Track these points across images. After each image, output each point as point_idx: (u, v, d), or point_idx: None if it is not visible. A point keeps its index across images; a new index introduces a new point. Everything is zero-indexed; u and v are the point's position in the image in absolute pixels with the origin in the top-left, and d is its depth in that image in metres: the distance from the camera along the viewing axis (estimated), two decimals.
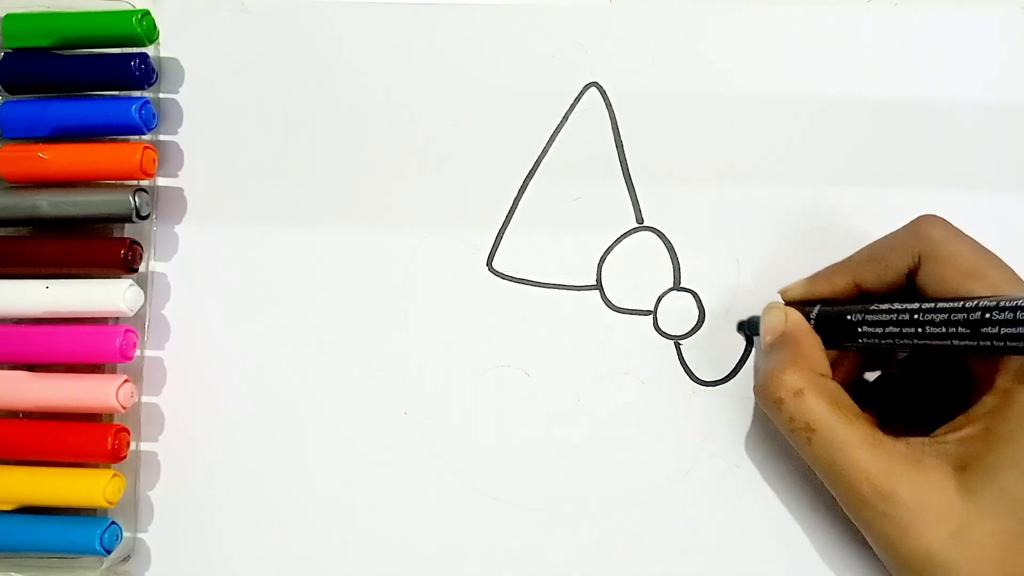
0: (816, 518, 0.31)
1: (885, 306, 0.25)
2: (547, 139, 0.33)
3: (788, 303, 0.29)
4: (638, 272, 0.33)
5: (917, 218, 0.26)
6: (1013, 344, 0.21)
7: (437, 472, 0.32)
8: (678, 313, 0.32)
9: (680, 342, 0.32)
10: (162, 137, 0.34)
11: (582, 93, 0.33)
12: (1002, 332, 0.21)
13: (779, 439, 0.31)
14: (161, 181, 0.34)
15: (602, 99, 0.33)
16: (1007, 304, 0.21)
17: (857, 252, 0.28)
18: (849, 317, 0.26)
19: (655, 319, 0.32)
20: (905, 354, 0.30)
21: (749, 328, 0.32)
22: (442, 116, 0.34)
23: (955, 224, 0.26)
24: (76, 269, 0.32)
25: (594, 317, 0.33)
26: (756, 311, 0.31)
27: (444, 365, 0.33)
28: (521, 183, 0.33)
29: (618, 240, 0.33)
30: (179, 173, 0.34)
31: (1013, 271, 0.24)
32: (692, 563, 0.31)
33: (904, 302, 0.25)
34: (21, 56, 0.33)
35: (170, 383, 0.33)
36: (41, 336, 0.32)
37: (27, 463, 0.32)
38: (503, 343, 0.33)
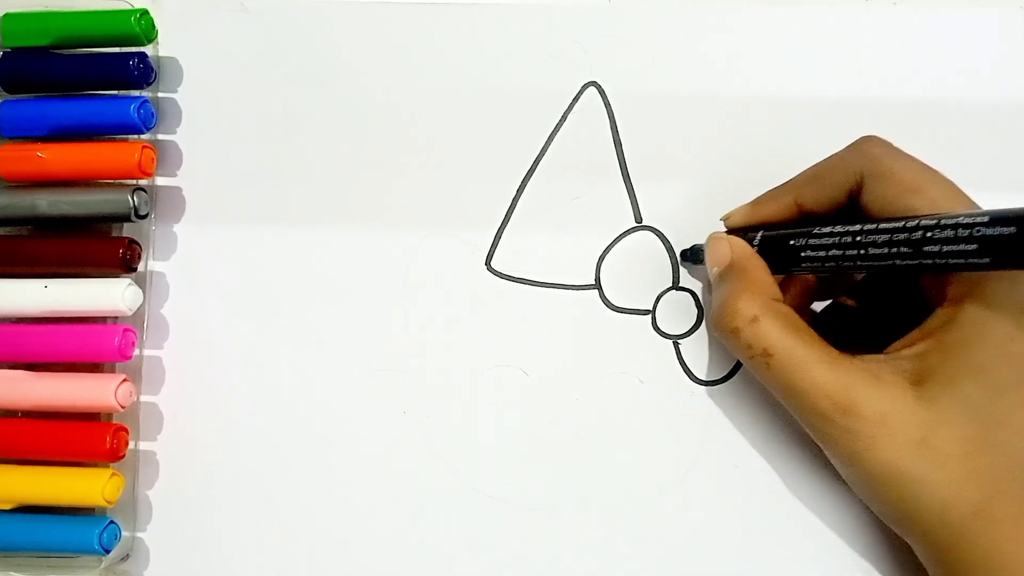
0: (815, 517, 0.31)
1: (827, 229, 0.25)
2: (546, 139, 0.33)
3: (731, 230, 0.29)
4: (637, 272, 0.33)
5: (860, 138, 0.26)
6: (955, 261, 0.21)
7: (436, 471, 0.32)
8: (677, 313, 0.32)
9: (679, 341, 0.32)
10: (161, 136, 0.34)
11: (581, 93, 0.33)
12: (944, 250, 0.21)
13: (779, 439, 0.31)
14: (160, 180, 0.34)
15: (601, 99, 0.33)
16: (947, 222, 0.21)
17: (799, 173, 0.28)
18: (792, 242, 0.26)
19: (654, 319, 0.32)
20: (855, 276, 0.29)
21: (692, 257, 0.31)
22: (441, 116, 0.34)
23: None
24: (75, 268, 0.32)
25: (593, 317, 0.33)
26: None
27: (443, 364, 0.33)
28: (520, 183, 0.33)
29: (617, 239, 0.33)
30: (178, 172, 0.34)
31: (955, 186, 0.24)
32: (691, 563, 0.31)
33: (846, 224, 0.24)
34: (20, 55, 0.33)
35: (169, 382, 0.33)
36: (40, 335, 0.32)
37: (26, 462, 0.32)
38: (502, 342, 0.33)
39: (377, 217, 0.34)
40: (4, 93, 0.34)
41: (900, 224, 0.23)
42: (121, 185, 0.33)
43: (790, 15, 0.34)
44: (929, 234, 0.22)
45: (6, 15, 0.33)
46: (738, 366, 0.32)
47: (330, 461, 0.32)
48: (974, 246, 0.20)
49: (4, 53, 0.33)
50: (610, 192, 0.33)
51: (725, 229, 0.30)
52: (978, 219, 0.20)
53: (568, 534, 0.31)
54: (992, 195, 0.32)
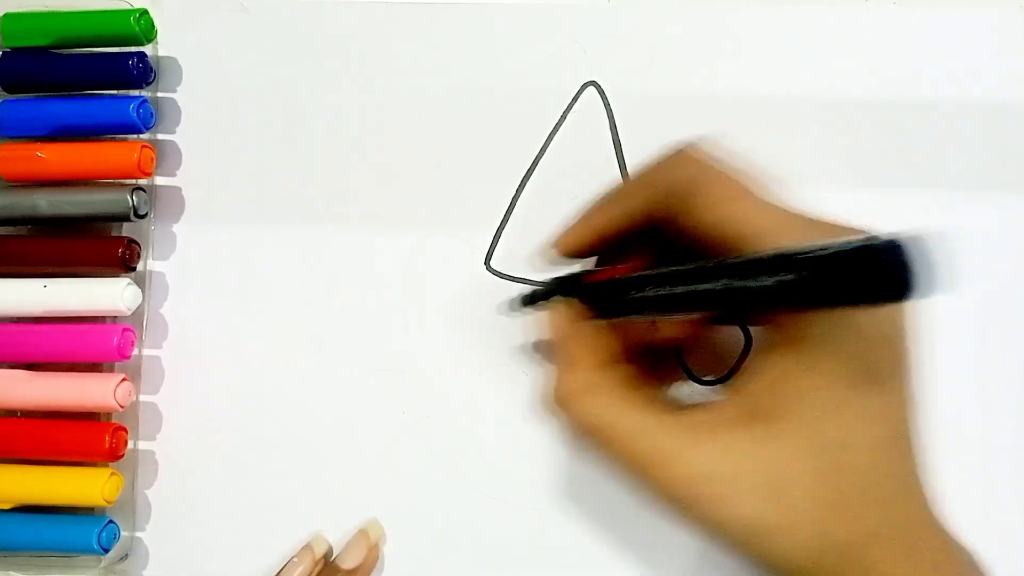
0: None
1: (649, 273, 0.23)
2: (545, 138, 0.33)
3: (564, 256, 0.27)
4: None
5: (675, 151, 0.24)
6: (759, 307, 0.20)
7: (436, 471, 0.32)
8: None
9: None
10: (160, 136, 0.34)
11: (580, 92, 0.33)
12: (752, 290, 0.20)
13: None
14: (159, 180, 0.34)
15: (600, 98, 0.33)
16: (754, 261, 0.20)
17: (611, 193, 0.26)
18: (621, 294, 0.24)
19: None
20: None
21: (529, 303, 0.30)
22: (440, 115, 0.34)
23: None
24: (74, 268, 0.32)
25: None
26: None
27: (442, 364, 0.33)
28: (519, 182, 0.33)
29: None
30: (177, 172, 0.34)
31: (789, 217, 0.23)
32: (692, 562, 0.31)
33: (661, 267, 0.23)
34: (20, 55, 0.33)
35: (168, 382, 0.33)
36: (39, 335, 0.32)
37: (25, 462, 0.32)
38: (501, 342, 0.33)
39: (376, 217, 0.34)
40: (4, 93, 0.34)
41: (710, 265, 0.21)
42: (120, 185, 0.33)
43: (790, 15, 0.34)
44: (742, 281, 0.20)
45: (6, 15, 0.33)
46: (738, 365, 0.32)
47: (330, 461, 0.32)
48: (775, 293, 0.19)
49: (4, 53, 0.33)
50: None
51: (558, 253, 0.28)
52: (782, 263, 0.19)
53: (569, 534, 0.31)
54: (992, 195, 0.32)
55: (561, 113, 0.33)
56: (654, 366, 0.28)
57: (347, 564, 0.30)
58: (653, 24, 0.34)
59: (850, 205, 0.32)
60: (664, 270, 0.23)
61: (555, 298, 0.27)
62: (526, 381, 0.32)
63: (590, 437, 0.23)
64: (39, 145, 0.32)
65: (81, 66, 0.33)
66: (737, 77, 0.33)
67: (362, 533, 0.31)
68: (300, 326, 0.33)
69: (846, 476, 0.21)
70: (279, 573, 0.31)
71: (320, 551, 0.31)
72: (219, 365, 0.33)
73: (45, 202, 0.32)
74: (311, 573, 0.31)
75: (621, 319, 0.25)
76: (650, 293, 0.23)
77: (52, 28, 0.32)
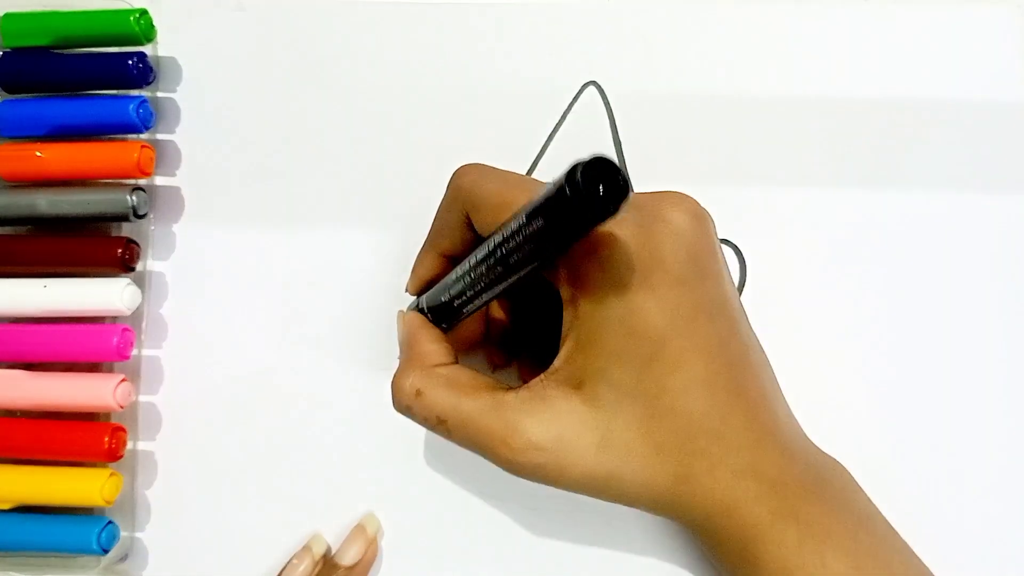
0: None
1: (453, 275, 0.25)
2: (545, 138, 0.33)
3: (416, 295, 0.30)
4: None
5: (454, 172, 0.27)
6: (536, 260, 0.21)
7: (436, 472, 0.32)
8: None
9: None
10: (160, 136, 0.34)
11: (581, 92, 0.33)
12: (520, 258, 0.21)
13: None
14: (159, 180, 0.34)
15: (600, 98, 0.33)
16: (506, 233, 0.22)
17: (430, 228, 0.28)
18: (442, 298, 0.26)
19: None
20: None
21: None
22: (440, 114, 0.34)
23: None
24: (74, 268, 0.32)
25: None
26: (754, 310, 0.31)
27: None
28: None
29: None
30: (177, 172, 0.34)
31: (537, 185, 0.24)
32: (692, 562, 0.31)
33: (461, 264, 0.25)
34: (19, 55, 0.33)
35: (167, 382, 0.33)
36: (39, 335, 0.32)
37: (25, 462, 0.32)
38: None
39: (376, 216, 0.34)
40: (4, 93, 0.34)
41: (486, 249, 0.23)
42: (120, 185, 0.33)
43: (790, 15, 0.34)
44: (503, 249, 0.22)
45: (6, 15, 0.33)
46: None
47: (329, 461, 0.32)
48: (532, 245, 0.21)
49: (4, 53, 0.33)
50: None
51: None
52: (519, 221, 0.21)
53: (569, 534, 0.31)
54: (992, 195, 0.32)
55: (562, 113, 0.33)
56: (509, 357, 0.30)
57: (346, 560, 0.30)
58: (653, 24, 0.34)
59: (850, 205, 0.32)
60: (460, 268, 0.25)
61: (401, 310, 0.29)
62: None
63: (437, 428, 0.25)
64: (39, 145, 0.32)
65: (81, 66, 0.33)
66: (737, 77, 0.33)
67: (359, 528, 0.31)
68: (300, 326, 0.33)
69: (666, 419, 0.23)
70: (279, 575, 0.31)
71: (319, 551, 0.31)
72: (219, 365, 0.33)
73: (45, 202, 0.32)
74: (311, 574, 0.31)
75: (456, 322, 0.27)
76: (459, 287, 0.25)
77: (52, 28, 0.32)
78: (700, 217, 0.24)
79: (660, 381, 0.22)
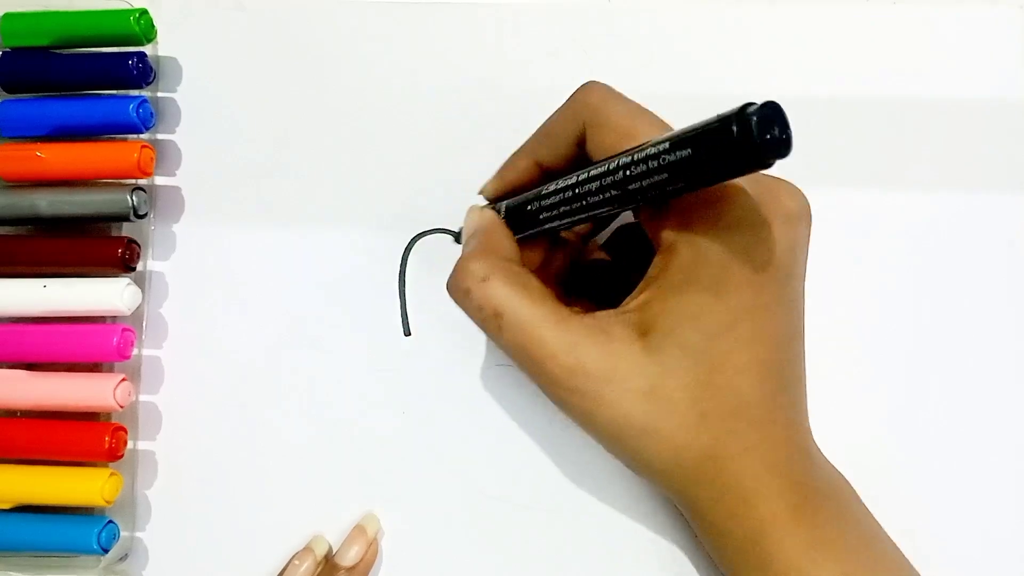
0: None
1: (552, 187, 0.25)
2: None
3: (491, 201, 0.29)
4: None
5: (580, 86, 0.26)
6: (658, 193, 0.21)
7: (436, 472, 0.32)
8: None
9: None
10: (160, 136, 0.34)
11: None
12: (644, 184, 0.21)
13: None
14: (159, 180, 0.34)
15: None
16: (639, 155, 0.21)
17: (533, 133, 0.28)
18: (529, 207, 0.26)
19: None
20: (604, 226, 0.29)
21: (459, 238, 0.32)
22: (440, 115, 0.34)
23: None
24: (74, 268, 0.32)
25: None
26: None
27: (443, 364, 0.33)
28: None
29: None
30: (177, 172, 0.34)
31: (666, 124, 0.24)
32: (693, 562, 0.31)
33: (566, 177, 0.24)
34: (19, 55, 0.33)
35: (168, 382, 0.33)
36: (39, 335, 0.32)
37: (25, 462, 0.32)
38: None
39: (376, 216, 0.34)
40: (4, 93, 0.34)
41: (605, 168, 0.22)
42: (120, 185, 0.33)
43: (790, 15, 0.34)
44: (628, 171, 0.21)
45: (6, 15, 0.33)
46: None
47: (330, 461, 0.32)
48: (664, 175, 0.20)
49: (4, 53, 0.33)
50: None
51: (485, 200, 0.30)
52: (661, 147, 0.20)
53: (569, 533, 0.31)
54: (992, 195, 0.32)
55: None
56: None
57: (346, 561, 0.30)
58: (653, 24, 0.34)
59: (849, 204, 0.32)
60: (563, 180, 0.24)
61: (473, 205, 0.29)
62: (526, 380, 0.32)
63: (489, 321, 0.24)
64: (39, 145, 0.32)
65: (81, 66, 0.33)
66: (737, 77, 0.33)
67: (359, 528, 0.31)
68: (300, 326, 0.33)
69: (717, 394, 0.22)
70: (280, 575, 0.31)
71: (320, 552, 0.31)
72: (219, 365, 0.33)
73: (45, 202, 0.32)
74: (312, 574, 0.31)
75: (529, 238, 0.26)
76: (555, 199, 0.24)
77: (52, 28, 0.32)
78: (808, 212, 0.24)
79: (726, 354, 0.22)
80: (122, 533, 0.32)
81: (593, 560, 0.31)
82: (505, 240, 0.26)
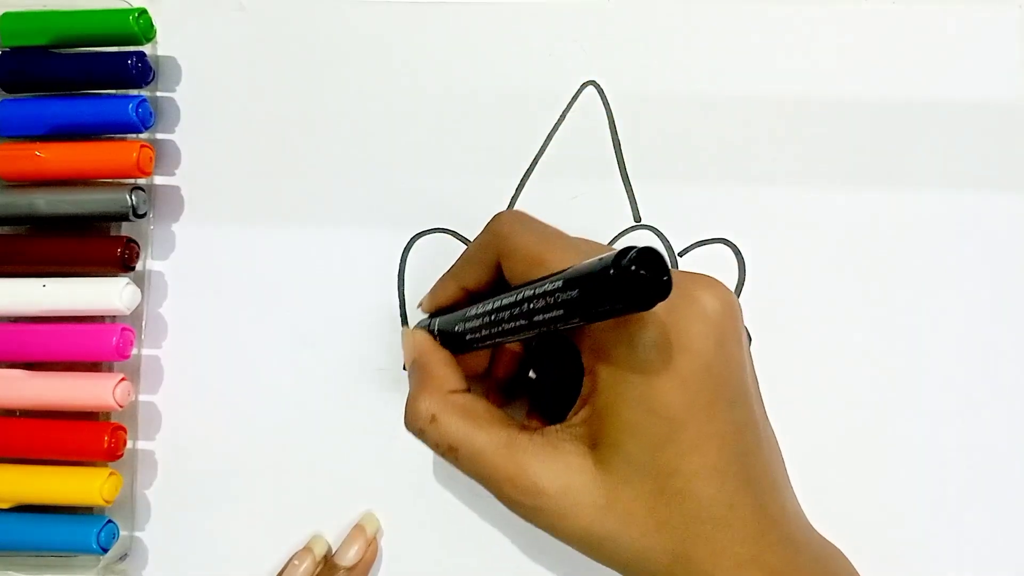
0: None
1: (473, 310, 0.26)
2: (544, 137, 0.33)
3: (428, 314, 0.30)
4: None
5: (493, 217, 0.27)
6: (562, 326, 0.22)
7: (436, 472, 0.32)
8: None
9: None
10: (159, 135, 0.34)
11: (580, 92, 0.33)
12: (546, 317, 0.22)
13: None
14: (158, 179, 0.34)
15: (600, 98, 0.33)
16: (538, 290, 0.22)
17: (458, 258, 0.29)
18: (456, 327, 0.27)
19: None
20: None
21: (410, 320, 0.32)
22: (440, 114, 0.34)
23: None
24: (73, 267, 0.32)
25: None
26: (754, 309, 0.31)
27: None
28: (519, 181, 0.33)
29: (616, 238, 0.33)
30: (176, 171, 0.34)
31: (579, 246, 0.25)
32: None
33: (482, 304, 0.25)
34: (18, 54, 0.33)
35: (167, 382, 0.33)
36: (38, 334, 0.32)
37: (24, 462, 0.32)
38: None
39: (376, 216, 0.34)
40: (3, 92, 0.34)
41: (513, 299, 0.23)
42: (119, 184, 0.33)
43: (789, 15, 0.34)
44: (532, 304, 0.22)
45: (5, 14, 0.33)
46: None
47: (328, 460, 0.32)
48: (560, 311, 0.21)
49: (3, 52, 0.33)
50: (609, 191, 0.33)
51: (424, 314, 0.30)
52: (556, 284, 0.21)
53: None
54: (992, 195, 0.32)
55: (560, 113, 0.33)
56: (507, 398, 0.30)
57: (346, 561, 0.31)
58: (653, 24, 0.34)
59: (849, 204, 0.32)
60: (481, 306, 0.25)
61: (410, 327, 0.30)
62: (527, 380, 0.32)
63: (446, 455, 0.25)
64: (38, 144, 0.32)
65: (80, 65, 0.33)
66: (737, 77, 0.33)
67: (358, 528, 0.31)
68: (299, 325, 0.33)
69: (673, 501, 0.22)
70: (279, 575, 0.31)
71: (319, 552, 0.31)
72: (218, 365, 0.33)
73: (44, 201, 0.32)
74: (312, 574, 0.31)
75: (463, 352, 0.27)
76: (476, 324, 0.25)
77: (51, 27, 0.32)
78: (730, 304, 0.24)
79: (673, 463, 0.22)
80: (121, 533, 0.32)
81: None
82: (443, 367, 0.27)
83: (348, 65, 0.34)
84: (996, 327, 0.32)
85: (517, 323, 0.23)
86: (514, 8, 0.34)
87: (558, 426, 0.25)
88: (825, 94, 0.33)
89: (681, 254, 0.32)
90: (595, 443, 0.23)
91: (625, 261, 0.19)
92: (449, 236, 0.33)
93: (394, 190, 0.34)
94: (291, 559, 0.31)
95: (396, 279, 0.33)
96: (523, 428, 0.25)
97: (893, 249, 0.32)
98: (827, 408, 0.32)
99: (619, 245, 0.32)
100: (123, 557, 0.32)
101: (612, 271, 0.19)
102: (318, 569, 0.31)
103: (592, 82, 0.33)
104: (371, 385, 0.33)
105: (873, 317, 0.32)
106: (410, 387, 0.27)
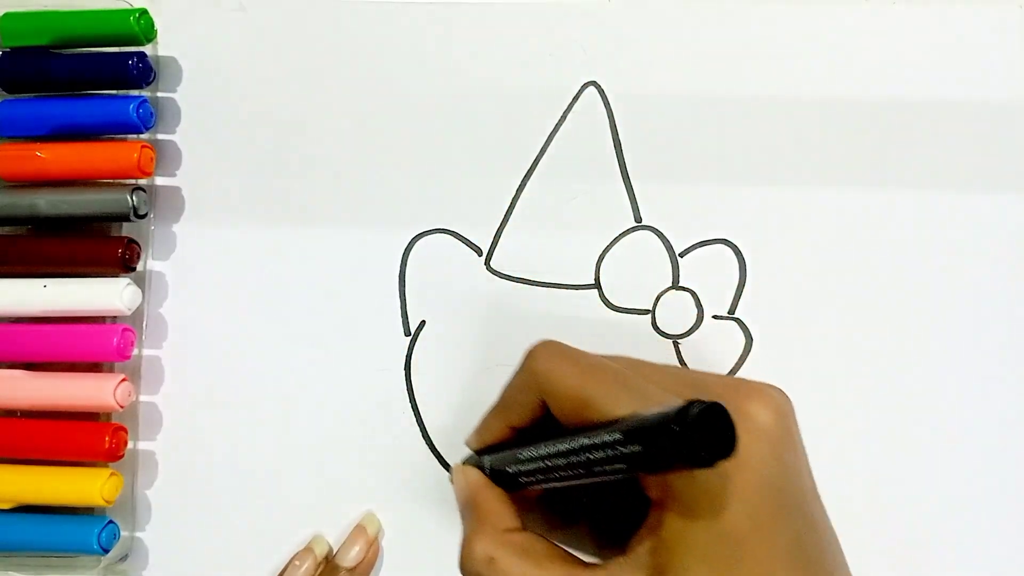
0: None
1: (527, 453, 0.25)
2: (545, 138, 0.33)
3: (477, 451, 0.29)
4: (636, 271, 0.33)
5: (528, 352, 0.26)
6: (618, 476, 0.22)
7: (436, 472, 0.32)
8: (676, 312, 0.32)
9: (679, 341, 0.32)
10: (160, 136, 0.34)
11: (580, 92, 0.33)
12: (607, 468, 0.22)
13: None
14: (159, 180, 0.34)
15: (600, 98, 0.33)
16: (597, 441, 0.22)
17: (501, 395, 0.28)
18: (509, 469, 0.26)
19: (653, 318, 0.32)
20: None
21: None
22: (440, 115, 0.34)
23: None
24: (74, 268, 0.32)
25: (592, 316, 0.32)
26: (754, 310, 0.31)
27: (443, 364, 0.33)
28: (519, 182, 0.33)
29: (616, 239, 0.33)
30: (177, 172, 0.34)
31: (624, 383, 0.24)
32: None
33: (534, 446, 0.25)
34: (19, 55, 0.33)
35: (168, 382, 0.33)
36: (39, 335, 0.32)
37: (25, 462, 0.32)
38: (501, 342, 0.33)
39: (376, 216, 0.34)
40: (3, 93, 0.34)
41: (568, 446, 0.23)
42: (120, 185, 0.33)
43: (790, 15, 0.34)
44: (590, 455, 0.22)
45: (6, 14, 0.33)
46: (738, 366, 0.32)
47: (330, 461, 0.32)
48: (623, 464, 0.21)
49: (4, 53, 0.33)
50: (610, 191, 0.33)
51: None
52: (615, 436, 0.21)
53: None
54: (992, 195, 0.32)
55: (561, 113, 0.33)
56: (563, 524, 0.29)
57: (347, 562, 0.30)
58: (653, 24, 0.34)
59: (849, 204, 0.33)
60: (534, 448, 0.25)
61: (458, 464, 0.29)
62: None
63: None
64: (39, 145, 0.32)
65: (81, 66, 0.33)
66: (737, 77, 0.33)
67: (359, 528, 0.31)
68: (300, 326, 0.33)
69: None
70: (280, 575, 0.31)
71: (320, 552, 0.31)
72: (219, 365, 0.33)
73: (45, 202, 0.32)
74: (313, 575, 0.31)
75: (518, 491, 0.27)
76: (530, 467, 0.25)
77: (52, 28, 0.32)
78: (782, 412, 0.24)
79: None
80: (122, 533, 0.32)
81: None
82: (497, 505, 0.27)
83: (348, 65, 0.34)
84: (997, 327, 0.32)
85: (576, 471, 0.23)
86: (514, 8, 0.34)
87: (620, 559, 0.24)
88: (825, 94, 0.33)
89: (682, 254, 0.32)
90: (661, 573, 0.23)
91: (691, 415, 0.18)
92: (450, 236, 0.33)
93: (394, 190, 0.34)
94: (292, 559, 0.31)
95: (397, 279, 0.33)
96: (584, 566, 0.25)
97: (894, 249, 0.32)
98: (828, 408, 0.32)
99: (619, 245, 0.33)
100: (124, 557, 0.32)
101: (676, 426, 0.18)
102: (319, 569, 0.31)
103: (593, 82, 0.33)
104: (372, 386, 0.33)
105: (874, 317, 0.32)
106: (464, 528, 0.27)
